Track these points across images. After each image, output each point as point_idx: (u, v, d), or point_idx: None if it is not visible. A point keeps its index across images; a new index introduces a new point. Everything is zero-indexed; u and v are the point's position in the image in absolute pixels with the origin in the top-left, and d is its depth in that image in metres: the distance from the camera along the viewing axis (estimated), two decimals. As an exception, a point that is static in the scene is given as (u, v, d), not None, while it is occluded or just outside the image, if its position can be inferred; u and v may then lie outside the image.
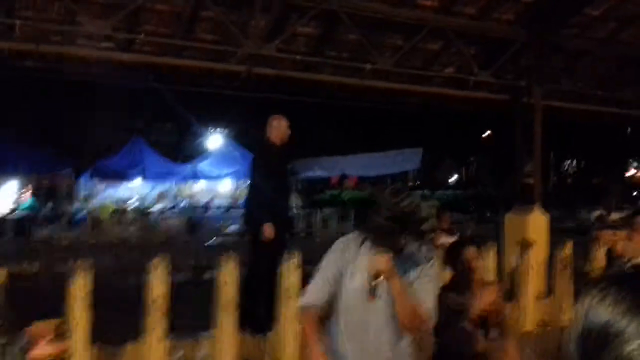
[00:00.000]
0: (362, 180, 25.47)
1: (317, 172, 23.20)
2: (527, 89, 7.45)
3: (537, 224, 7.08)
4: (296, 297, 4.75)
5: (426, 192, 25.11)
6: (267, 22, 6.36)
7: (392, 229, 2.34)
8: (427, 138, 24.18)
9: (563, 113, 9.13)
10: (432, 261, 2.47)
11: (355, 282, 2.42)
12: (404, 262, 2.39)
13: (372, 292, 2.32)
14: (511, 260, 6.86)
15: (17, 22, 5.54)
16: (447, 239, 6.78)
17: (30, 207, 16.26)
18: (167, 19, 6.24)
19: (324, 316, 2.50)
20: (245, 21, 6.33)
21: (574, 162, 36.46)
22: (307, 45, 6.79)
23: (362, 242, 2.47)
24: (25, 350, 2.91)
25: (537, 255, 6.46)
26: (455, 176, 37.95)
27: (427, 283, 2.40)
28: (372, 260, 2.32)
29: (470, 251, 3.19)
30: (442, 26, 6.82)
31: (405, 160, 20.94)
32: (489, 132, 29.94)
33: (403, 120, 22.99)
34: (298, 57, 6.63)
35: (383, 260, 2.29)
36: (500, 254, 6.55)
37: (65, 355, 3.18)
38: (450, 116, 19.65)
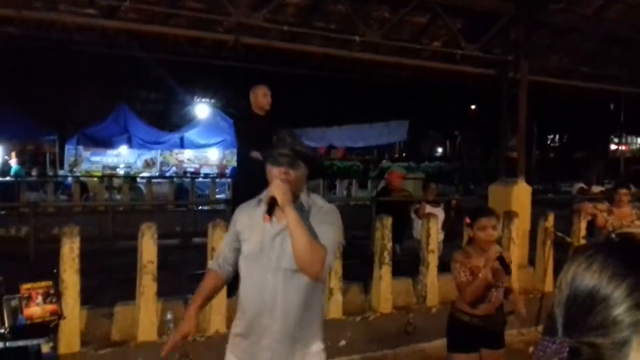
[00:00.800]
0: (349, 151, 25.59)
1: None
2: (513, 63, 7.51)
3: (520, 195, 7.24)
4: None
5: (412, 163, 25.33)
6: (255, -9, 6.33)
7: (283, 157, 2.30)
8: (413, 110, 24.23)
9: (549, 88, 9.23)
10: (324, 210, 2.41)
11: (251, 243, 2.38)
12: (297, 212, 2.30)
13: (268, 211, 2.23)
14: (494, 231, 7.03)
15: (-3, -14, 5.45)
16: (432, 210, 6.95)
17: (16, 174, 16.17)
18: (153, -14, 6.16)
19: (226, 280, 2.58)
20: (233, -11, 6.28)
21: (557, 136, 36.84)
22: (295, 15, 6.75)
23: (258, 204, 2.43)
24: (20, 308, 3.00)
25: (520, 226, 6.64)
26: (441, 149, 38.20)
27: (322, 225, 2.32)
28: (270, 188, 2.28)
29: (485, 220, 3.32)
30: (430, -1, 6.83)
31: (391, 132, 21.03)
32: (474, 106, 30.06)
33: (390, 92, 22.98)
34: (285, 27, 6.60)
35: (280, 185, 2.24)
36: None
37: (56, 315, 3.28)
38: (437, 89, 19.68)
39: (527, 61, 7.44)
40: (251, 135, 5.35)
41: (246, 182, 5.40)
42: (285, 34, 6.61)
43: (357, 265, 6.20)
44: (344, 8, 6.59)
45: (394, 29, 7.04)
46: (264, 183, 2.32)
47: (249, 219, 2.43)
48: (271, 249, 2.32)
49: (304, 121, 23.11)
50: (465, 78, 8.51)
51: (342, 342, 5.24)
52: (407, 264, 6.43)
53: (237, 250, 2.46)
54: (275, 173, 2.32)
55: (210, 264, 2.61)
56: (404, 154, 33.14)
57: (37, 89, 20.76)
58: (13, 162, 17.78)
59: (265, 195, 2.39)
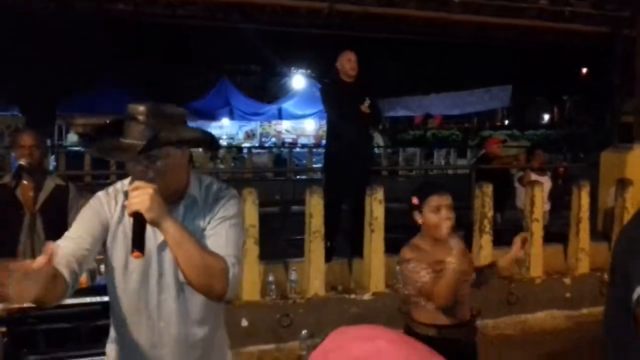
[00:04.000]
0: (446, 119, 24.91)
1: (400, 112, 22.94)
2: (630, 19, 6.90)
3: (635, 163, 6.71)
4: (379, 230, 4.90)
5: (515, 131, 24.23)
6: (350, -44, 6.26)
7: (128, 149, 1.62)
8: (517, 75, 23.00)
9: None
10: (227, 200, 1.79)
11: (120, 248, 1.75)
12: (187, 210, 1.77)
13: (136, 243, 1.54)
14: (606, 199, 6.61)
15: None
16: (538, 178, 6.63)
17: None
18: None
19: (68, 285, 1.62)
20: (328, -45, 6.25)
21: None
22: (392, -22, 6.62)
23: (125, 195, 1.73)
24: None
25: (635, 195, 6.18)
26: (547, 116, 36.13)
27: (221, 225, 1.74)
28: (130, 196, 1.57)
29: None
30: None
31: (492, 98, 20.14)
32: (585, 68, 28.01)
33: (492, 56, 21.92)
34: (382, -9, 6.49)
35: (141, 192, 1.55)
36: (594, 194, 6.33)
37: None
38: (543, 51, 18.51)
39: (646, 15, 6.80)
40: (337, 102, 5.38)
41: (336, 149, 5.46)
42: (381, -3, 6.50)
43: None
44: (443, -32, 6.36)
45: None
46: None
47: (122, 215, 1.74)
48: (160, 262, 1.75)
49: (400, 89, 22.73)
50: (575, 38, 7.95)
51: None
52: (510, 234, 6.21)
53: (98, 244, 1.74)
54: (132, 174, 1.68)
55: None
56: (506, 122, 31.71)
57: (147, 66, 22.02)
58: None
59: (126, 186, 1.74)
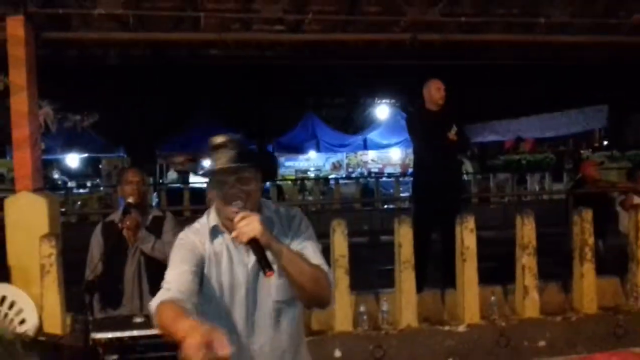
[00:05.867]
0: (539, 142, 23.93)
1: (488, 137, 22.36)
2: None
3: None
4: (472, 260, 4.81)
5: (615, 153, 22.84)
6: (429, -14, 6.31)
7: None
8: (614, 92, 21.79)
9: None
10: (297, 218, 1.98)
11: (225, 278, 1.89)
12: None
13: (264, 264, 1.72)
14: None
15: (202, 14, 6.18)
16: None
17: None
18: (332, -3, 6.47)
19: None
20: (407, -12, 6.33)
21: None
22: (473, 5, 6.58)
23: (213, 230, 1.92)
24: None
25: None
26: (651, 134, 33.76)
27: (305, 241, 1.92)
28: (239, 226, 1.73)
29: None
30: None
31: (587, 119, 19.14)
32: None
33: (584, 75, 20.98)
34: (463, 19, 6.46)
35: (250, 221, 1.72)
36: None
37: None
38: (643, 66, 17.43)
39: None
40: (424, 131, 5.36)
41: (424, 178, 5.43)
42: (463, 25, 6.48)
43: (550, 263, 5.84)
44: (527, -10, 6.26)
45: (584, 4, 6.47)
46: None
47: (213, 247, 1.91)
48: (255, 286, 1.90)
49: (488, 114, 22.24)
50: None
51: (542, 343, 4.98)
52: (617, 262, 5.87)
53: (199, 277, 1.85)
54: (227, 211, 1.83)
55: (161, 294, 1.76)
56: (605, 142, 29.95)
57: (236, 103, 23.09)
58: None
59: (211, 221, 1.94)
